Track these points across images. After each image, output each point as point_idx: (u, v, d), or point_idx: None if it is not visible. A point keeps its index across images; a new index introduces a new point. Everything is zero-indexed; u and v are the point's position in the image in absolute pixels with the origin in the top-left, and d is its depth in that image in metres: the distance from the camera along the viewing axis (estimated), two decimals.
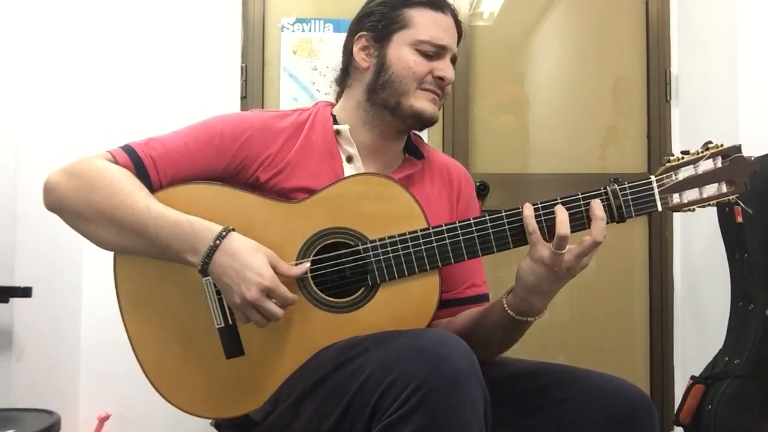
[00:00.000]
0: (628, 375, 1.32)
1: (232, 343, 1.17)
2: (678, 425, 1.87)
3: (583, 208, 1.12)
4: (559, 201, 1.13)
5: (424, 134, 2.28)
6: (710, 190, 1.13)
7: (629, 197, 1.13)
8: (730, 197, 1.13)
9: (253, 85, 2.33)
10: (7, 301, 1.68)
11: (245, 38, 2.34)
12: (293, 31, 2.35)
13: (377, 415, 0.96)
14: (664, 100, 2.41)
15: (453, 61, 1.31)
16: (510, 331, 1.20)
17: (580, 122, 2.43)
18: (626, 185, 1.13)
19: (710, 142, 1.14)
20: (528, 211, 1.12)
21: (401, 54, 1.27)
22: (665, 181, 1.13)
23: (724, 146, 1.13)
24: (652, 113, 2.41)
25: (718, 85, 2.16)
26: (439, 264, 1.16)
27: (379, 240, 1.16)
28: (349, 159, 1.30)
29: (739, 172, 1.12)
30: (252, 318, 1.11)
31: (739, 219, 1.82)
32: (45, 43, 1.95)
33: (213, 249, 1.10)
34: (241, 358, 1.17)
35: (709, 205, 1.13)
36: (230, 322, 1.17)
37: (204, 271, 1.11)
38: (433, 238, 1.16)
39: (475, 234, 1.15)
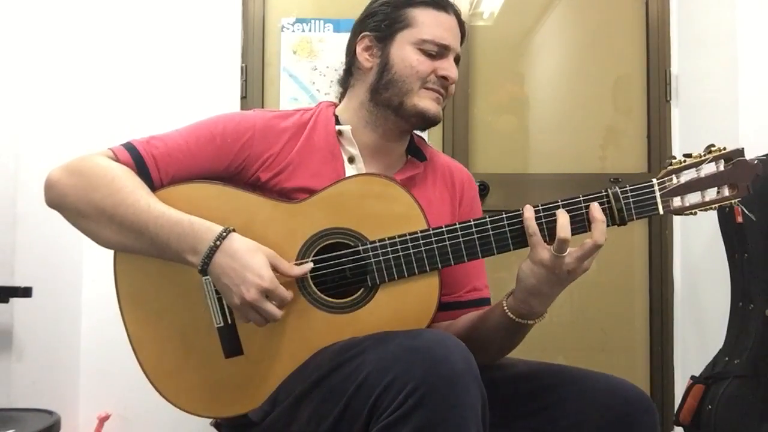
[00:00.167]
0: (628, 375, 1.32)
1: (231, 343, 1.17)
2: (678, 425, 1.87)
3: (584, 211, 1.12)
4: (560, 203, 1.13)
5: (424, 134, 2.29)
6: (712, 193, 1.12)
7: (630, 200, 1.12)
8: (733, 201, 1.12)
9: (253, 85, 2.33)
10: (7, 301, 1.67)
11: (245, 38, 2.34)
12: (293, 31, 2.35)
13: (375, 416, 0.96)
14: (664, 100, 2.41)
15: (456, 60, 1.31)
16: (510, 334, 1.20)
17: (580, 122, 2.43)
18: (627, 188, 1.12)
19: (713, 145, 1.12)
20: (528, 213, 1.12)
21: (404, 53, 1.27)
22: (667, 184, 1.12)
23: (727, 149, 1.12)
24: (652, 113, 2.41)
25: (718, 85, 2.16)
26: (439, 265, 1.16)
27: (379, 241, 1.16)
28: (351, 160, 1.30)
29: (741, 176, 1.11)
30: (251, 318, 1.12)
31: (739, 219, 1.82)
32: (45, 43, 1.95)
33: (213, 249, 1.10)
34: (240, 357, 1.17)
35: (711, 208, 1.12)
36: (229, 321, 1.17)
37: (204, 271, 1.11)
38: (433, 239, 1.16)
39: (476, 235, 1.15)
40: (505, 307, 1.16)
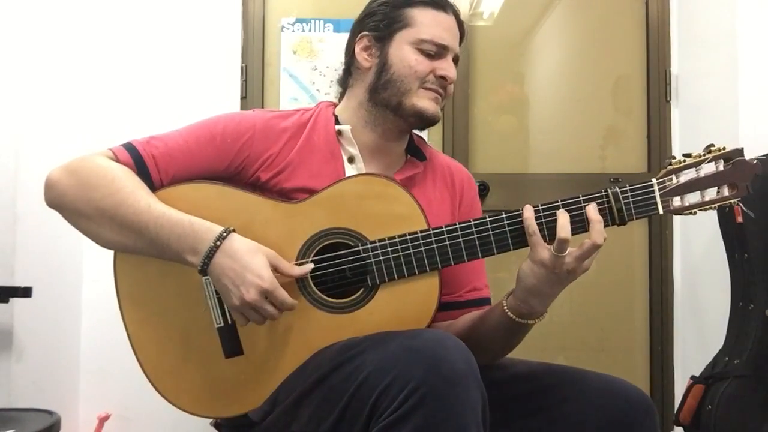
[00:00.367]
0: (628, 375, 1.32)
1: (231, 343, 1.17)
2: (678, 425, 1.87)
3: (583, 211, 1.12)
4: (560, 203, 1.13)
5: (424, 135, 2.29)
6: (712, 193, 1.12)
7: (630, 200, 1.12)
8: (732, 201, 1.12)
9: (253, 85, 2.33)
10: (7, 301, 1.67)
11: (245, 38, 2.34)
12: (293, 31, 2.35)
13: (375, 416, 0.96)
14: (664, 100, 2.41)
15: (455, 60, 1.31)
16: (510, 334, 1.20)
17: (580, 122, 2.43)
18: (627, 188, 1.12)
19: (712, 145, 1.13)
20: (528, 212, 1.12)
21: (403, 53, 1.27)
22: (666, 184, 1.12)
23: (727, 149, 1.12)
24: (652, 113, 2.41)
25: (718, 85, 2.16)
26: (439, 265, 1.16)
27: (379, 241, 1.16)
28: (351, 159, 1.30)
29: (741, 176, 1.11)
30: (251, 318, 1.12)
31: (739, 219, 1.82)
32: (45, 43, 1.95)
33: (213, 250, 1.10)
34: (240, 357, 1.17)
35: (711, 208, 1.12)
36: (229, 321, 1.17)
37: (204, 271, 1.11)
38: (433, 239, 1.16)
39: (475, 235, 1.15)
40: (505, 307, 1.16)
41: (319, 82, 2.32)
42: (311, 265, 1.16)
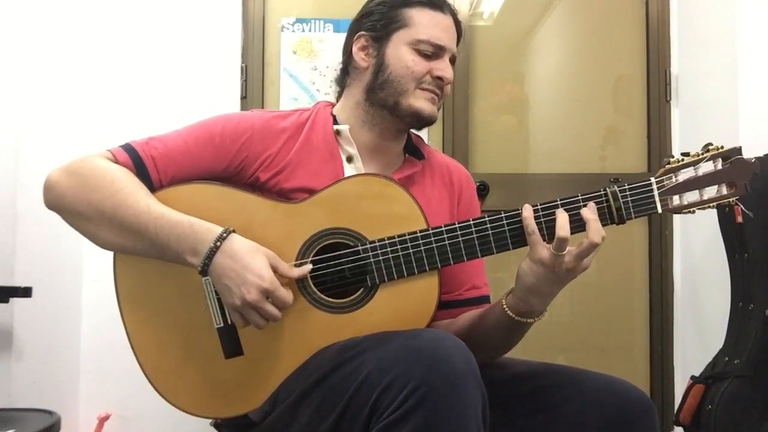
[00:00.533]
0: (628, 375, 1.32)
1: (231, 343, 1.17)
2: (678, 425, 1.87)
3: (582, 210, 1.12)
4: (559, 202, 1.13)
5: (424, 134, 2.29)
6: (710, 192, 1.13)
7: (629, 199, 1.13)
8: (731, 199, 1.12)
9: (253, 85, 2.33)
10: (7, 301, 1.67)
11: (245, 38, 2.34)
12: (293, 31, 2.35)
13: (375, 416, 0.96)
14: (664, 100, 2.41)
15: (452, 61, 1.31)
16: (509, 333, 1.20)
17: (580, 122, 2.43)
18: (626, 187, 1.13)
19: (710, 144, 1.13)
20: (527, 212, 1.12)
21: (400, 54, 1.27)
22: (665, 182, 1.13)
23: (725, 148, 1.13)
24: (652, 113, 2.41)
25: (718, 85, 2.16)
26: (439, 265, 1.16)
27: (379, 241, 1.16)
28: (350, 159, 1.30)
29: (739, 175, 1.12)
30: (251, 319, 1.11)
31: (739, 219, 1.82)
32: (45, 43, 1.94)
33: (213, 250, 1.10)
34: (240, 358, 1.17)
35: (710, 207, 1.13)
36: (229, 321, 1.17)
37: (204, 272, 1.11)
38: (432, 239, 1.16)
39: (475, 235, 1.15)
40: (505, 306, 1.16)
41: (319, 82, 2.32)
42: (310, 266, 1.16)
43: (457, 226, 1.16)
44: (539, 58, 2.49)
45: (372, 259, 1.16)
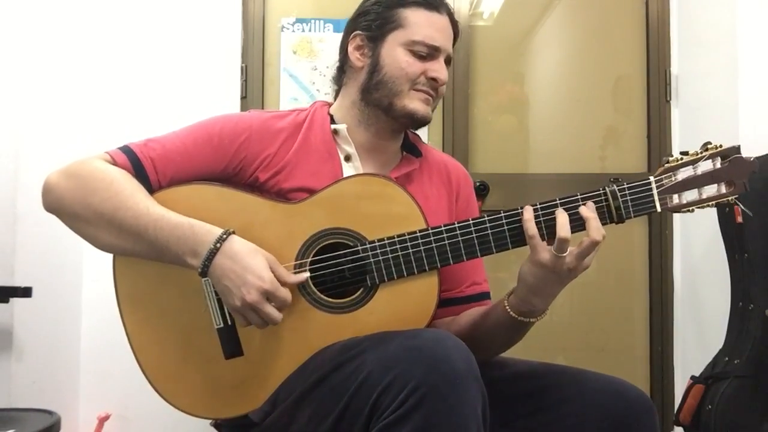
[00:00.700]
0: (628, 375, 1.32)
1: (231, 344, 1.17)
2: (678, 425, 1.87)
3: (581, 208, 1.12)
4: (558, 202, 1.13)
5: (424, 134, 2.29)
6: (709, 190, 1.13)
7: (628, 198, 1.13)
8: (729, 198, 1.13)
9: (253, 85, 2.33)
10: (7, 301, 1.67)
11: (245, 38, 2.34)
12: (293, 31, 2.35)
13: (376, 416, 0.96)
14: (664, 100, 2.41)
15: (448, 61, 1.31)
16: (512, 332, 1.20)
17: (580, 122, 2.43)
18: (625, 186, 1.13)
19: (709, 143, 1.14)
20: (528, 214, 1.12)
21: (394, 54, 1.27)
22: (664, 181, 1.13)
23: (723, 147, 1.13)
24: (652, 113, 2.41)
25: (718, 85, 2.16)
26: (438, 265, 1.16)
27: (378, 241, 1.16)
28: (348, 158, 1.30)
29: (738, 173, 1.12)
30: (251, 320, 1.12)
31: (739, 219, 1.82)
32: (45, 43, 1.95)
33: (213, 252, 1.10)
34: (240, 358, 1.17)
35: (709, 206, 1.13)
36: (229, 322, 1.17)
37: (204, 273, 1.11)
38: (432, 238, 1.16)
39: (474, 235, 1.15)
40: (507, 306, 1.16)
41: (319, 82, 2.32)
42: (307, 274, 1.16)
43: (456, 225, 1.16)
44: (539, 58, 2.49)
45: (372, 259, 1.16)
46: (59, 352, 2.04)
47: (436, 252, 1.16)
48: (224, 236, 1.11)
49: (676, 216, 2.34)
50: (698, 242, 2.26)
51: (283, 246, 1.16)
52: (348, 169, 1.29)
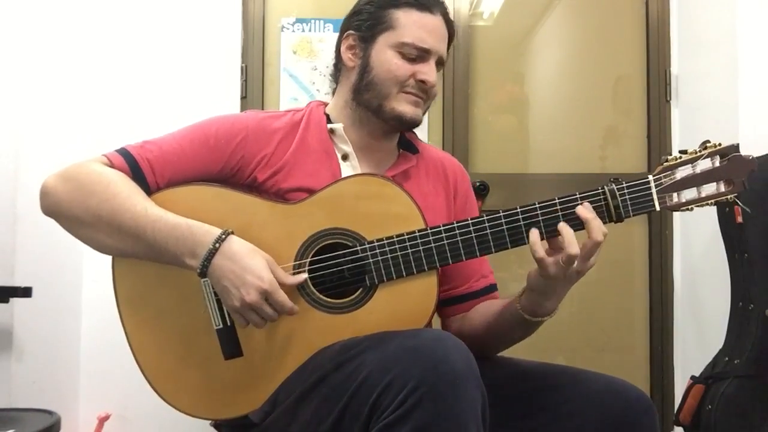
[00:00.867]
0: (628, 375, 1.32)
1: (230, 344, 1.17)
2: (678, 425, 1.87)
3: (579, 210, 1.12)
4: (557, 201, 1.13)
5: (424, 135, 2.29)
6: (708, 189, 1.13)
7: (627, 197, 1.13)
8: (728, 197, 1.13)
9: (253, 85, 2.33)
10: (7, 301, 1.67)
11: (245, 38, 2.34)
12: (293, 31, 2.35)
13: (375, 416, 0.96)
14: (664, 100, 2.40)
15: (441, 63, 1.30)
16: (525, 330, 1.23)
17: (580, 122, 2.43)
18: (624, 185, 1.13)
19: (708, 142, 1.14)
20: (534, 236, 1.12)
21: (384, 56, 1.27)
22: (663, 180, 1.13)
23: (722, 145, 1.13)
24: (652, 113, 2.41)
25: (718, 85, 2.16)
26: (437, 265, 1.16)
27: (377, 241, 1.16)
28: (345, 157, 1.30)
29: (737, 172, 1.12)
30: (250, 320, 1.12)
31: (739, 219, 1.81)
32: (45, 43, 1.95)
33: (212, 252, 1.10)
34: (239, 359, 1.17)
35: (708, 204, 1.14)
36: (228, 323, 1.17)
37: (203, 274, 1.11)
38: (431, 238, 1.16)
39: (473, 235, 1.15)
40: (520, 309, 1.18)
41: (319, 82, 2.32)
42: (305, 275, 1.16)
43: (455, 225, 1.16)
44: (539, 58, 2.49)
45: (371, 259, 1.16)
46: (59, 352, 2.04)
47: (435, 252, 1.16)
48: (223, 236, 1.11)
49: (676, 216, 2.34)
50: (698, 242, 2.26)
51: (282, 246, 1.16)
52: (346, 168, 1.29)
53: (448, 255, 1.16)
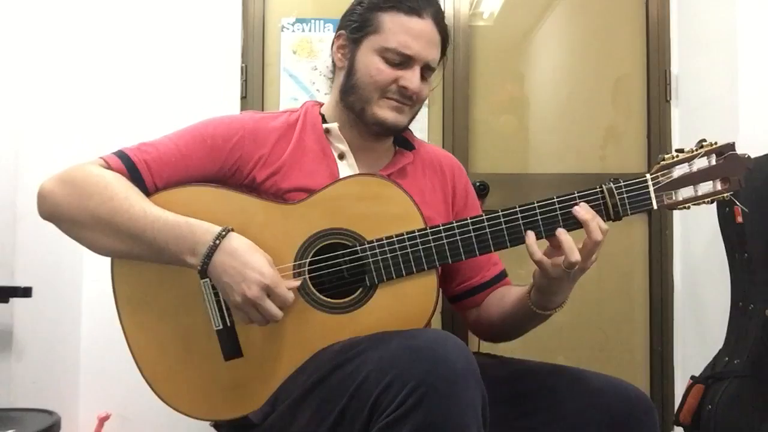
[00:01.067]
0: (628, 375, 1.33)
1: (230, 345, 1.17)
2: (678, 425, 1.87)
3: (577, 211, 1.13)
4: (555, 200, 1.14)
5: (424, 135, 2.29)
6: (705, 187, 1.14)
7: (625, 195, 1.14)
8: (725, 195, 1.14)
9: (253, 85, 2.33)
10: (7, 301, 1.68)
11: (245, 38, 2.34)
12: (293, 31, 2.35)
13: (375, 416, 0.96)
14: (664, 100, 2.40)
15: (430, 68, 1.28)
16: (539, 320, 1.26)
17: (580, 122, 2.43)
18: (622, 183, 1.14)
19: (704, 140, 1.15)
20: (530, 239, 1.14)
21: (367, 60, 1.26)
22: (660, 179, 1.14)
23: (719, 144, 1.14)
24: (652, 113, 2.41)
25: (718, 85, 2.16)
26: (437, 264, 1.17)
27: (377, 240, 1.16)
28: (341, 156, 1.30)
29: (733, 170, 1.13)
30: (252, 317, 1.11)
31: (739, 219, 1.81)
32: (45, 43, 1.95)
33: (212, 249, 1.10)
34: (239, 359, 1.17)
35: (704, 202, 1.15)
36: (228, 323, 1.17)
37: (204, 271, 1.11)
38: (430, 237, 1.16)
39: (473, 234, 1.16)
40: (531, 305, 1.21)
41: (319, 82, 2.32)
42: (300, 280, 1.16)
43: (455, 225, 1.16)
44: (539, 58, 2.49)
45: (370, 259, 1.16)
46: (59, 352, 2.04)
47: (434, 251, 1.16)
48: (223, 233, 1.11)
49: (676, 216, 2.34)
50: (698, 242, 2.26)
51: (281, 247, 1.16)
52: (343, 167, 1.29)
53: (448, 254, 1.16)
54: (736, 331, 1.84)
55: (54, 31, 2.02)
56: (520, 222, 1.14)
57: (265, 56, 2.35)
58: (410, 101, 1.28)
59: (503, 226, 1.15)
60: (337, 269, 1.17)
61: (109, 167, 1.20)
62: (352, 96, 1.28)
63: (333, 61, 1.35)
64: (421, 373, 0.93)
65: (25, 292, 1.69)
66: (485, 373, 1.00)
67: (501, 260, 1.41)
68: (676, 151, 1.15)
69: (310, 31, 2.34)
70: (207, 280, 1.14)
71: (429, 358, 0.95)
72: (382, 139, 1.34)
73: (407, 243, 1.16)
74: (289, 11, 2.36)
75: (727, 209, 1.86)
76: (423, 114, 2.26)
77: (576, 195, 1.14)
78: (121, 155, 1.21)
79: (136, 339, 1.20)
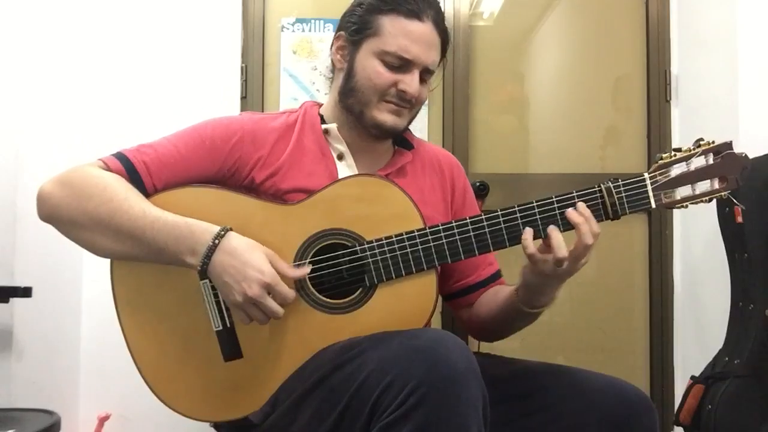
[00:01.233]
0: (628, 375, 1.33)
1: (230, 346, 1.17)
2: (678, 425, 1.87)
3: (570, 213, 1.14)
4: (554, 199, 1.14)
5: (424, 135, 2.29)
6: (703, 186, 1.15)
7: (623, 195, 1.14)
8: (722, 194, 1.14)
9: (253, 85, 2.33)
10: (7, 301, 1.68)
11: (245, 38, 2.34)
12: (293, 31, 2.35)
13: (376, 415, 0.96)
14: (664, 100, 2.40)
15: (429, 72, 1.28)
16: (527, 319, 1.26)
17: (580, 122, 2.43)
18: (620, 183, 1.14)
19: (701, 139, 1.15)
20: (527, 234, 1.14)
21: (367, 63, 1.25)
22: (658, 178, 1.15)
23: (716, 143, 1.15)
24: (652, 113, 2.41)
25: (718, 85, 2.16)
26: (436, 264, 1.17)
27: (377, 241, 1.16)
28: (340, 157, 1.30)
29: (730, 169, 1.14)
30: (253, 315, 1.11)
31: (739, 219, 1.81)
32: (45, 43, 1.95)
33: (212, 249, 1.10)
34: (239, 360, 1.17)
35: (702, 201, 1.15)
36: (228, 324, 1.17)
37: (204, 271, 1.11)
38: (429, 237, 1.16)
39: (472, 233, 1.16)
40: (518, 302, 1.21)
41: (319, 82, 2.32)
42: (309, 267, 1.16)
43: (454, 224, 1.16)
44: (539, 58, 2.49)
45: (370, 259, 1.16)
46: (59, 352, 2.05)
47: (434, 251, 1.16)
48: (222, 233, 1.11)
49: (676, 215, 2.34)
50: (698, 242, 2.26)
51: (281, 247, 1.16)
52: (342, 168, 1.29)
53: (447, 254, 1.16)
54: (736, 331, 1.84)
55: (54, 32, 2.02)
56: (519, 221, 1.15)
57: (265, 56, 2.36)
58: (409, 104, 1.27)
59: (502, 225, 1.15)
60: (337, 269, 1.17)
61: (108, 169, 1.20)
62: (351, 98, 1.28)
63: (332, 62, 1.34)
64: (422, 372, 0.93)
65: (25, 292, 1.69)
66: (485, 373, 1.00)
67: (498, 261, 1.41)
68: (674, 150, 1.15)
69: (310, 31, 2.34)
70: (206, 281, 1.14)
71: (430, 358, 0.95)
72: (381, 140, 1.34)
73: (407, 243, 1.16)
74: (289, 11, 2.36)
75: (727, 209, 1.86)
76: (423, 114, 2.26)
77: (575, 194, 1.14)
78: (120, 157, 1.21)
79: (136, 340, 1.20)
